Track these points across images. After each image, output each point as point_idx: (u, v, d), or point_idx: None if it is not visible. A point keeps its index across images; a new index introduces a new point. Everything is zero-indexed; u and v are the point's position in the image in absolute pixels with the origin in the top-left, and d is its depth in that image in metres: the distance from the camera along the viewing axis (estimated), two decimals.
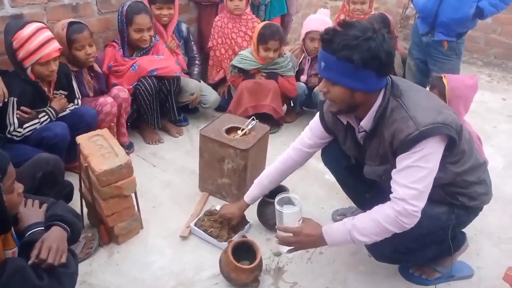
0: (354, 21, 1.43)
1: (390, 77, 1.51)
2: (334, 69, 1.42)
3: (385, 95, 1.47)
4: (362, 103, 1.48)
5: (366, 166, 1.64)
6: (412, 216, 1.44)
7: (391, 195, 1.47)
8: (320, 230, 1.59)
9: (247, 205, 2.01)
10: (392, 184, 1.48)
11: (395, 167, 1.46)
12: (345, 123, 1.62)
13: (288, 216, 1.65)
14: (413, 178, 1.41)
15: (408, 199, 1.42)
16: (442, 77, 2.04)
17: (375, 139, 1.53)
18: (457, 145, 1.47)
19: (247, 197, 1.99)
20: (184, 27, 3.07)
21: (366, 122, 1.53)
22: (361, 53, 1.33)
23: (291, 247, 1.67)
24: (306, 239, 1.61)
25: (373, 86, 1.43)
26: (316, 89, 3.06)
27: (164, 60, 2.69)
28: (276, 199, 1.68)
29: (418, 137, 1.38)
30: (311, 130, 1.83)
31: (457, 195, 1.58)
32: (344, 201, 2.37)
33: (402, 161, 1.43)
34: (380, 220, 1.46)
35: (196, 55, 3.17)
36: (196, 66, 3.15)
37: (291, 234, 1.62)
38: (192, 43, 3.15)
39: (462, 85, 1.98)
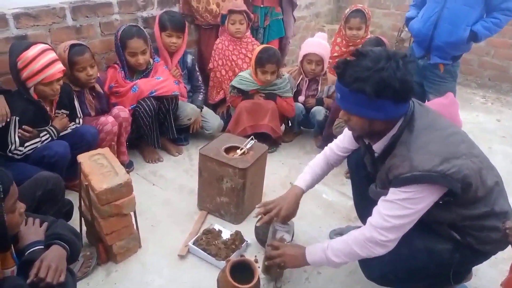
0: (369, 49, 1.40)
1: (414, 106, 1.48)
2: (349, 101, 1.43)
3: (401, 125, 1.46)
4: (382, 130, 1.49)
5: (372, 185, 1.66)
6: (381, 246, 1.47)
7: (368, 218, 1.51)
8: (303, 250, 1.68)
9: (303, 192, 1.92)
10: (374, 208, 1.50)
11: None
12: (366, 143, 1.66)
13: (281, 233, 1.86)
14: (393, 213, 1.43)
15: (379, 228, 1.45)
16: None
17: (383, 164, 1.55)
18: (464, 193, 1.40)
19: (301, 182, 1.92)
20: (189, 58, 3.13)
21: (378, 147, 1.55)
22: (373, 85, 1.32)
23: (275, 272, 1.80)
24: (289, 253, 1.72)
25: (392, 114, 1.43)
26: (314, 110, 3.11)
27: (163, 81, 2.75)
28: (275, 219, 1.86)
29: (409, 180, 1.37)
30: (344, 135, 1.89)
31: (466, 235, 1.51)
32: (341, 220, 2.39)
33: (391, 194, 1.45)
34: (350, 242, 1.52)
35: (201, 85, 3.24)
36: (201, 93, 3.22)
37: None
38: (198, 73, 3.22)
39: (440, 107, 2.03)
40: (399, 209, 1.42)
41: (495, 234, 1.51)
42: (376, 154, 1.61)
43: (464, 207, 1.47)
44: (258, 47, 3.00)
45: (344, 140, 1.89)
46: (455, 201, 1.44)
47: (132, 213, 1.94)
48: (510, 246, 1.53)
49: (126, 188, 1.83)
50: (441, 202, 1.44)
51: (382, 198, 1.49)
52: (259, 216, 2.05)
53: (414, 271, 1.56)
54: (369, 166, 1.72)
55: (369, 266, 1.63)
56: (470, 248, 1.53)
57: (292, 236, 2.01)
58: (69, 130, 2.35)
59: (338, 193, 2.63)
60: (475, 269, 1.97)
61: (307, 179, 1.93)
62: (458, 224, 1.51)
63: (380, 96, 1.34)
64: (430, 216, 1.48)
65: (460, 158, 1.39)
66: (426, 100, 2.96)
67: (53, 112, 2.28)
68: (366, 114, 1.43)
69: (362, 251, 1.51)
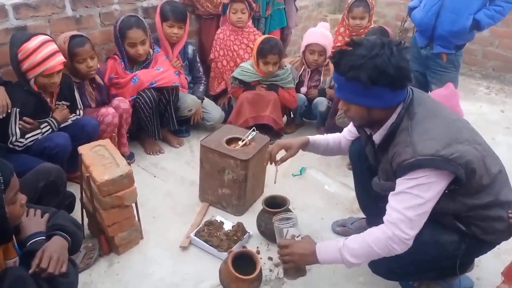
0: (363, 39, 1.41)
1: (413, 94, 1.47)
2: (346, 90, 1.43)
3: (400, 113, 1.45)
4: (382, 118, 1.48)
5: (375, 178, 1.64)
6: (402, 243, 1.41)
7: (384, 218, 1.46)
8: (314, 246, 1.57)
9: (308, 140, 1.91)
10: (387, 206, 1.46)
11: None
12: (368, 133, 1.64)
13: (286, 229, 1.72)
14: (406, 205, 1.39)
15: (399, 224, 1.40)
16: None
17: (385, 155, 1.53)
18: (469, 180, 1.38)
19: (311, 137, 1.94)
20: (190, 49, 3.11)
21: (378, 136, 1.54)
22: (367, 72, 1.32)
23: (286, 266, 1.67)
24: (298, 252, 1.59)
25: (389, 101, 1.42)
26: (316, 101, 3.09)
27: (163, 72, 2.73)
28: (275, 218, 1.76)
29: (413, 165, 1.35)
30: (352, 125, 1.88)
31: (470, 225, 1.50)
32: (343, 212, 2.38)
33: (399, 185, 1.42)
34: (371, 242, 1.44)
35: (202, 76, 3.22)
36: (202, 84, 3.19)
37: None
38: (199, 64, 3.19)
39: (441, 98, 2.00)
40: (410, 199, 1.38)
41: (499, 223, 1.50)
42: (376, 144, 1.59)
43: (469, 196, 1.45)
44: (260, 38, 2.97)
45: (351, 126, 1.89)
46: (460, 190, 1.42)
47: (133, 205, 1.94)
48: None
49: (127, 180, 1.82)
50: (446, 191, 1.42)
51: (392, 193, 1.45)
52: (262, 207, 2.05)
53: (422, 264, 1.55)
54: (370, 158, 1.70)
55: (376, 261, 1.58)
56: (475, 239, 1.51)
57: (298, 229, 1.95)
58: (69, 121, 2.34)
59: (341, 184, 2.62)
60: (478, 259, 1.97)
61: (316, 136, 1.95)
62: (463, 215, 1.49)
63: (376, 83, 1.34)
64: (436, 206, 1.45)
65: (462, 143, 1.38)
66: (429, 91, 2.94)
67: (54, 104, 2.28)
68: (363, 102, 1.43)
69: (383, 251, 1.44)
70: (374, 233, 1.46)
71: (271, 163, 1.92)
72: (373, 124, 1.52)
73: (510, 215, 1.47)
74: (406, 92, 1.45)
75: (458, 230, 1.51)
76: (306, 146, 1.92)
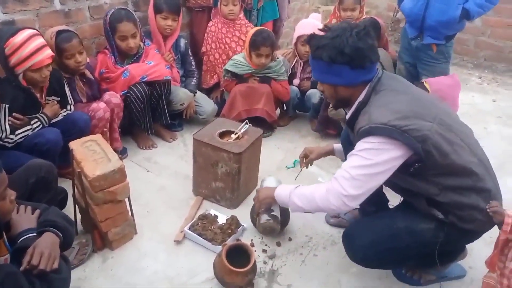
0: (336, 24, 1.52)
1: (382, 74, 1.55)
2: (315, 69, 1.57)
3: (367, 91, 1.53)
4: (349, 97, 1.57)
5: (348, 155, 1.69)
6: (338, 198, 1.48)
7: None
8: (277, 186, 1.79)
9: (332, 148, 2.06)
10: None
11: None
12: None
13: (267, 182, 2.03)
14: (352, 164, 1.47)
15: (339, 179, 1.48)
16: (423, 82, 2.11)
17: (354, 132, 1.60)
18: (430, 157, 1.41)
19: (335, 145, 2.08)
20: (182, 42, 3.08)
21: (348, 115, 1.62)
22: (327, 51, 1.45)
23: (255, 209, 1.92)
24: (263, 190, 1.87)
25: (350, 79, 1.51)
26: (309, 93, 3.08)
27: (154, 66, 2.70)
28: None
29: (365, 132, 1.44)
30: None
31: (448, 214, 1.51)
32: None
33: (354, 149, 1.50)
34: (313, 190, 1.58)
35: (194, 69, 3.19)
36: (194, 78, 3.17)
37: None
38: (191, 57, 3.16)
39: (443, 87, 2.01)
40: (357, 160, 1.46)
41: (477, 213, 1.50)
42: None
43: (438, 176, 1.47)
44: (252, 30, 2.95)
45: None
46: (429, 168, 1.45)
47: (126, 200, 1.93)
48: (496, 226, 1.52)
49: (119, 174, 1.81)
50: (412, 170, 1.46)
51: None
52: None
53: (397, 251, 1.57)
54: (353, 141, 1.73)
55: (352, 248, 1.65)
56: (455, 227, 1.52)
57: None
58: (60, 117, 2.31)
59: None
60: (470, 248, 1.99)
61: (339, 144, 2.06)
62: (436, 199, 1.50)
63: (334, 61, 1.46)
64: (407, 183, 1.51)
65: (424, 119, 1.43)
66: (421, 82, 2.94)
67: (44, 99, 2.25)
68: (328, 80, 1.55)
69: (321, 201, 1.53)
70: (320, 184, 1.60)
71: (301, 165, 2.13)
72: (344, 103, 1.62)
73: (489, 208, 1.46)
74: (372, 73, 1.53)
75: (435, 218, 1.53)
76: (330, 153, 2.07)
